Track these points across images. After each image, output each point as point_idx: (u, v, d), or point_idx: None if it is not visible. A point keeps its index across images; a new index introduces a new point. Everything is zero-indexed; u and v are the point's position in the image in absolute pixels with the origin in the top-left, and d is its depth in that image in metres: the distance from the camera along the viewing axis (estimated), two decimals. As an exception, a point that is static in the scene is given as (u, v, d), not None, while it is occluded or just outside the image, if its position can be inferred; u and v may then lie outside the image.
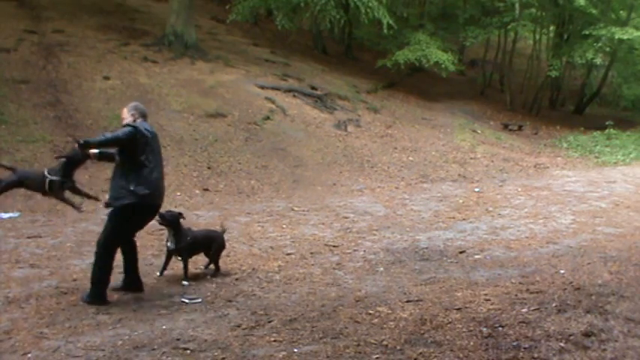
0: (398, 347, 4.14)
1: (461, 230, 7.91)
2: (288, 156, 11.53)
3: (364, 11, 15.51)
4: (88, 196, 6.10)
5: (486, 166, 13.07)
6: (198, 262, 6.28)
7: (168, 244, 5.67)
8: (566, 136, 17.50)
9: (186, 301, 5.18)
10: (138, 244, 6.73)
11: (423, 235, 7.65)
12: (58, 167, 5.63)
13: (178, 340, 4.30)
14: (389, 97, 17.17)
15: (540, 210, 9.14)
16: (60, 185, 5.61)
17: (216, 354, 4.06)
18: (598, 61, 19.46)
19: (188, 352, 4.10)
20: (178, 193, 9.27)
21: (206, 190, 9.61)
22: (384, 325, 4.56)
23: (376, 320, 4.68)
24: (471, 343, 4.19)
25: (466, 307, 4.94)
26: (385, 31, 16.01)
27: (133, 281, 5.42)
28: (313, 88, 15.22)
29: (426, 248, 7.02)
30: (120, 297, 5.24)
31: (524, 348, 4.10)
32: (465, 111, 18.03)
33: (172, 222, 5.59)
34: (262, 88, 14.01)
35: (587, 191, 10.70)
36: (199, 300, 5.20)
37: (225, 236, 6.17)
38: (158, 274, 5.77)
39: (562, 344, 4.15)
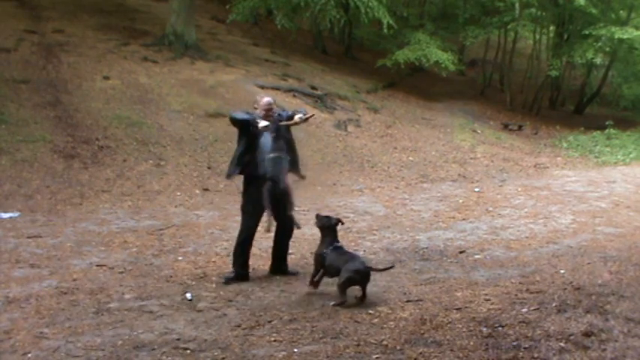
0: (398, 347, 4.15)
1: (461, 230, 7.91)
2: (288, 156, 11.52)
3: (364, 11, 15.49)
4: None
5: (486, 166, 13.07)
6: (199, 262, 6.28)
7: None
8: (566, 136, 17.49)
9: (189, 297, 5.20)
10: (138, 243, 6.80)
11: (423, 235, 7.65)
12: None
13: (178, 340, 4.30)
14: (389, 97, 17.16)
15: (540, 210, 9.14)
16: None
17: (216, 354, 4.06)
18: (598, 60, 19.46)
19: (188, 352, 4.11)
20: (178, 193, 9.28)
21: (206, 190, 9.61)
22: (384, 325, 4.56)
23: (376, 320, 4.68)
24: (471, 343, 4.20)
25: (466, 307, 4.94)
26: (385, 30, 15.99)
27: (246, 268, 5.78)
28: (313, 88, 15.21)
29: (426, 248, 7.03)
30: (121, 296, 5.24)
31: (524, 348, 4.10)
32: (465, 111, 18.02)
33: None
34: (262, 88, 13.98)
35: (587, 191, 10.70)
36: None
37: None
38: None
39: (562, 344, 4.15)
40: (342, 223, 5.56)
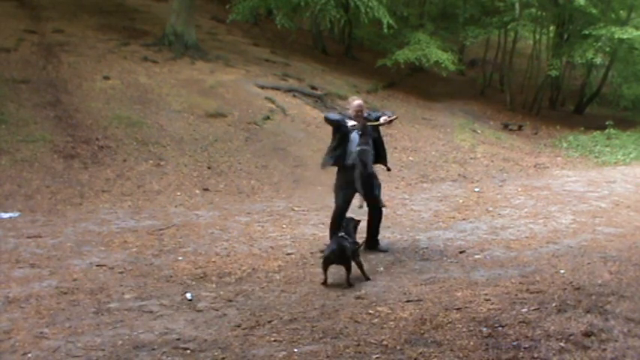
0: (398, 347, 4.15)
1: (461, 230, 7.91)
2: (288, 156, 11.53)
3: (364, 11, 15.49)
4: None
5: (486, 166, 13.07)
6: (199, 262, 6.28)
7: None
8: (566, 136, 17.49)
9: (189, 297, 5.20)
10: (138, 243, 6.80)
11: (423, 235, 7.64)
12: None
13: (178, 340, 4.30)
14: (389, 97, 17.16)
15: (540, 210, 9.14)
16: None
17: (216, 354, 4.06)
18: (598, 60, 19.44)
19: (188, 352, 4.11)
20: (178, 193, 9.28)
21: (206, 190, 9.61)
22: (384, 325, 4.56)
23: (376, 320, 4.68)
24: (471, 343, 4.20)
25: (466, 307, 4.94)
26: (385, 30, 15.97)
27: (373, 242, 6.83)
28: (313, 88, 15.21)
29: (426, 248, 7.03)
30: (121, 296, 5.24)
31: (524, 348, 4.10)
32: (465, 111, 18.03)
33: None
34: (262, 88, 14.00)
35: (587, 191, 10.70)
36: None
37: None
38: None
39: (562, 344, 4.15)
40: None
